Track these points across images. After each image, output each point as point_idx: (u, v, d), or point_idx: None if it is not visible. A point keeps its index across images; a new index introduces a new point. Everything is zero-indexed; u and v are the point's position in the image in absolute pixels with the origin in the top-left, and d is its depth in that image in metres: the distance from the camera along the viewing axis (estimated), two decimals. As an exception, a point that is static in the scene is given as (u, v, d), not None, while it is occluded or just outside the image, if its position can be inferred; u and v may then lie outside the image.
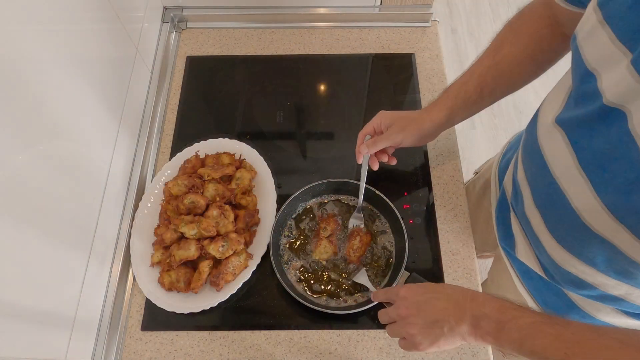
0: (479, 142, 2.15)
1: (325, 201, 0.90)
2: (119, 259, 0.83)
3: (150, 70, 1.03)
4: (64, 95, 0.67)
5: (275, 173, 0.91)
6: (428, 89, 1.04)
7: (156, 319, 0.81)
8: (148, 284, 0.81)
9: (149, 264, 0.83)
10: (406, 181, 0.92)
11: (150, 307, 0.81)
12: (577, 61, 0.55)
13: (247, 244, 0.83)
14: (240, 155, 0.93)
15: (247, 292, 0.82)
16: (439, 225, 0.88)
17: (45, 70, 0.63)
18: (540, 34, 0.72)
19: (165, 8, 1.14)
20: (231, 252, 0.80)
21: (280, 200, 0.86)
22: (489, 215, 0.94)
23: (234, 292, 0.79)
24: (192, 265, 0.82)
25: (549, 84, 0.78)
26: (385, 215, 0.87)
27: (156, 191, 0.90)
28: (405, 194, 0.91)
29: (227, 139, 0.95)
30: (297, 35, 1.13)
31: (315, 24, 1.14)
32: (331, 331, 0.79)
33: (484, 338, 0.58)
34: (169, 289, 0.81)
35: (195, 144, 0.95)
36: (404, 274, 0.78)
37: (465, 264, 0.85)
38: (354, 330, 0.79)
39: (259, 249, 0.83)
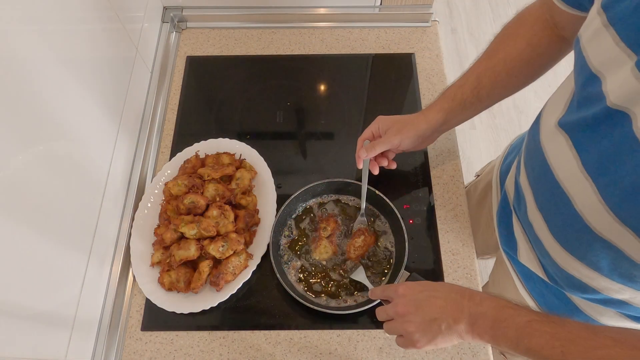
0: (479, 142, 2.15)
1: (325, 201, 0.90)
2: (119, 259, 0.83)
3: (150, 70, 1.03)
4: (64, 95, 0.67)
5: (275, 173, 0.91)
6: (428, 89, 1.04)
7: (156, 319, 0.81)
8: (148, 284, 0.81)
9: (149, 264, 0.83)
10: (406, 181, 0.92)
11: (150, 307, 0.81)
12: (581, 64, 0.54)
13: (247, 244, 0.83)
14: (240, 155, 0.93)
15: (247, 292, 0.82)
16: (439, 225, 0.88)
17: (45, 70, 0.63)
18: (538, 38, 0.72)
19: (165, 8, 1.14)
20: (231, 252, 0.80)
21: (280, 200, 0.86)
22: (490, 218, 0.94)
23: (234, 292, 0.79)
24: (192, 265, 0.82)
25: (549, 84, 0.78)
26: (385, 215, 0.87)
27: (156, 191, 0.90)
28: (405, 194, 0.91)
29: (227, 139, 0.95)
30: (297, 35, 1.13)
31: (315, 24, 1.14)
32: (331, 331, 0.79)
33: (481, 336, 0.58)
34: (169, 289, 0.81)
35: (195, 144, 0.95)
36: (404, 274, 0.78)
37: (465, 264, 0.85)
38: (354, 330, 0.79)
39: (259, 249, 0.83)
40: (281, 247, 0.85)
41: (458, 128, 0.94)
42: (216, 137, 0.95)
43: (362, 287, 0.81)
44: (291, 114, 1.02)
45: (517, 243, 0.78)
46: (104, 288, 0.79)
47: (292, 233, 0.87)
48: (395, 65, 1.08)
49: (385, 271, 0.83)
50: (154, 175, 0.94)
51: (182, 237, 0.82)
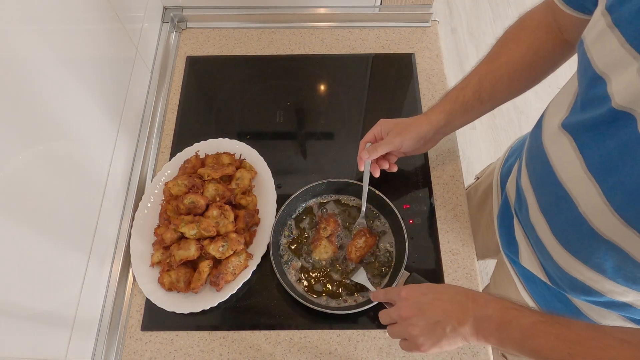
0: (479, 143, 2.15)
1: (326, 201, 0.90)
2: (119, 259, 0.83)
3: (150, 70, 1.03)
4: (64, 95, 0.67)
5: (275, 173, 0.91)
6: (428, 89, 1.04)
7: (156, 319, 0.81)
8: (148, 284, 0.81)
9: (149, 264, 0.83)
10: (406, 181, 0.92)
11: (150, 307, 0.81)
12: (585, 66, 0.54)
13: (247, 244, 0.83)
14: (240, 155, 0.93)
15: (247, 292, 0.82)
16: (439, 225, 0.88)
17: (45, 70, 0.63)
18: (540, 42, 0.72)
19: (165, 8, 1.14)
20: (231, 252, 0.80)
21: (280, 200, 0.86)
22: (490, 221, 0.94)
23: (234, 292, 0.79)
24: (192, 265, 0.82)
25: (550, 85, 0.78)
26: (385, 215, 0.87)
27: (156, 191, 0.90)
28: (405, 194, 0.91)
29: (227, 139, 0.95)
30: (297, 35, 1.13)
31: (315, 24, 1.14)
32: (331, 331, 0.79)
33: (486, 339, 0.58)
34: (169, 289, 0.81)
35: (195, 144, 0.95)
36: (404, 274, 0.78)
37: (465, 264, 0.85)
38: (354, 330, 0.79)
39: (259, 249, 0.83)
40: (281, 247, 0.85)
41: (458, 128, 0.94)
42: (216, 137, 0.95)
43: (362, 288, 0.81)
44: (291, 114, 1.02)
45: (519, 246, 0.78)
46: (104, 288, 0.79)
47: (292, 233, 0.87)
48: (395, 65, 1.08)
49: (385, 271, 0.83)
50: (154, 175, 0.94)
51: (182, 237, 0.82)
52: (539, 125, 0.69)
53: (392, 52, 1.10)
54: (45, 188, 0.63)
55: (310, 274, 0.83)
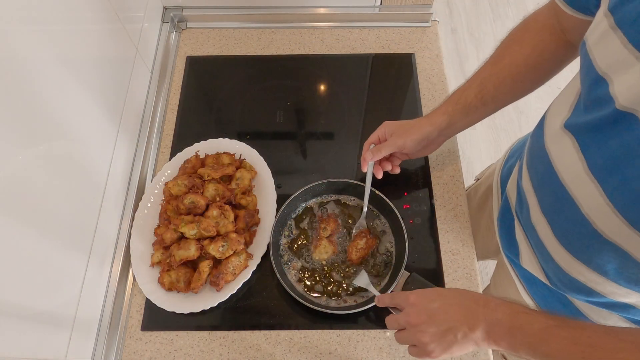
0: (479, 143, 2.15)
1: (326, 201, 0.90)
2: (119, 259, 0.83)
3: (150, 70, 1.03)
4: (64, 95, 0.67)
5: (275, 173, 0.91)
6: (428, 89, 1.04)
7: (156, 319, 0.81)
8: (148, 284, 0.81)
9: (149, 264, 0.83)
10: (406, 181, 0.92)
11: (150, 307, 0.81)
12: (587, 67, 0.54)
13: (247, 244, 0.83)
14: (240, 155, 0.93)
15: (247, 292, 0.82)
16: (439, 225, 0.88)
17: (45, 70, 0.63)
18: (544, 43, 0.72)
19: (165, 8, 1.14)
20: (231, 252, 0.80)
21: (280, 200, 0.86)
22: (490, 222, 0.94)
23: (234, 292, 0.79)
24: (192, 265, 0.82)
25: (550, 85, 0.78)
26: (385, 215, 0.87)
27: (156, 191, 0.90)
28: (405, 194, 0.91)
29: (227, 139, 0.95)
30: (297, 35, 1.13)
31: (315, 24, 1.14)
32: (331, 331, 0.79)
33: (497, 343, 0.58)
34: (169, 289, 0.81)
35: (195, 144, 0.95)
36: (404, 274, 0.78)
37: (465, 264, 0.85)
38: (354, 330, 0.79)
39: (259, 249, 0.83)
40: (281, 247, 0.85)
41: (458, 128, 0.94)
42: (216, 137, 0.95)
43: (362, 288, 0.81)
44: (291, 114, 1.02)
45: (519, 247, 0.78)
46: (104, 288, 0.79)
47: (292, 233, 0.87)
48: (395, 65, 1.08)
49: (385, 271, 0.83)
50: (154, 175, 0.94)
51: (182, 237, 0.82)
52: (540, 126, 0.68)
53: (392, 52, 1.10)
54: (45, 188, 0.63)
55: (310, 274, 0.83)
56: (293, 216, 0.89)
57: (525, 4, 2.53)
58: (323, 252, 0.84)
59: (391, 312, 0.69)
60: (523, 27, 0.75)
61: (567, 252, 0.63)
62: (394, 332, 0.66)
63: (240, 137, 0.97)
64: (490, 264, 1.68)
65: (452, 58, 2.37)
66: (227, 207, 0.82)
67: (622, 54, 0.48)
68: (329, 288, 0.82)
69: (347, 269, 0.83)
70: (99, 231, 0.76)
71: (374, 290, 0.77)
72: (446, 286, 0.83)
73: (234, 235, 0.80)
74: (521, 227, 0.76)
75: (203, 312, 0.79)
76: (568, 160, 0.58)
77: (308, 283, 0.82)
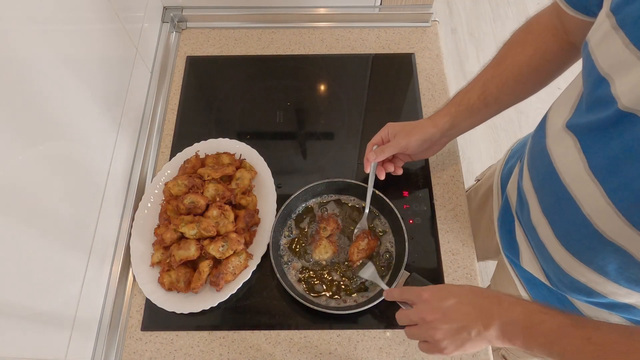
0: (478, 142, 2.15)
1: (326, 201, 0.90)
2: (119, 259, 0.83)
3: (150, 70, 1.03)
4: (64, 95, 0.67)
5: (275, 173, 0.91)
6: (428, 89, 1.04)
7: (156, 319, 0.81)
8: (148, 284, 0.81)
9: (149, 264, 0.83)
10: (406, 181, 0.92)
11: (150, 307, 0.81)
12: (589, 67, 0.54)
13: (247, 244, 0.83)
14: (240, 155, 0.93)
15: (247, 292, 0.82)
16: (439, 225, 0.88)
17: (45, 70, 0.63)
18: (546, 45, 0.72)
19: (165, 8, 1.14)
20: (231, 252, 0.80)
21: (280, 200, 0.86)
22: (491, 223, 0.94)
23: (234, 292, 0.79)
24: (192, 265, 0.82)
25: (550, 86, 0.78)
26: (385, 215, 0.87)
27: (156, 191, 0.90)
28: (405, 194, 0.91)
29: (227, 139, 0.95)
30: (297, 35, 1.13)
31: (315, 24, 1.14)
32: (331, 331, 0.79)
33: (511, 342, 0.58)
34: (169, 289, 0.81)
35: (195, 144, 0.95)
36: (404, 274, 0.78)
37: (465, 263, 0.85)
38: (354, 330, 0.79)
39: (259, 249, 0.83)
40: (281, 247, 0.85)
41: (458, 128, 0.94)
42: (216, 137, 0.95)
43: (362, 288, 0.81)
44: (291, 114, 1.02)
45: (519, 248, 0.78)
46: (104, 288, 0.79)
47: (292, 233, 0.87)
48: (395, 65, 1.08)
49: (385, 271, 0.83)
50: (154, 175, 0.94)
51: (182, 237, 0.82)
52: (542, 126, 0.68)
53: (392, 52, 1.10)
54: (45, 188, 0.63)
55: (310, 274, 0.83)
56: (293, 216, 0.89)
57: (525, 4, 2.54)
58: (323, 252, 0.84)
59: (398, 308, 0.69)
60: (526, 29, 0.75)
61: (567, 253, 0.63)
62: (405, 327, 0.66)
63: (240, 137, 0.97)
64: (491, 265, 1.68)
65: (452, 58, 2.37)
66: (227, 207, 0.82)
67: (624, 55, 0.48)
68: (329, 288, 0.82)
69: (347, 268, 0.83)
70: (99, 231, 0.76)
71: (381, 283, 0.77)
72: (446, 286, 0.83)
73: (234, 235, 0.80)
74: (521, 228, 0.76)
75: (203, 312, 0.79)
76: (569, 161, 0.58)
77: (308, 283, 0.82)
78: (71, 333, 0.68)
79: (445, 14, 2.52)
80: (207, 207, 0.83)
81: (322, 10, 1.13)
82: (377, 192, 0.85)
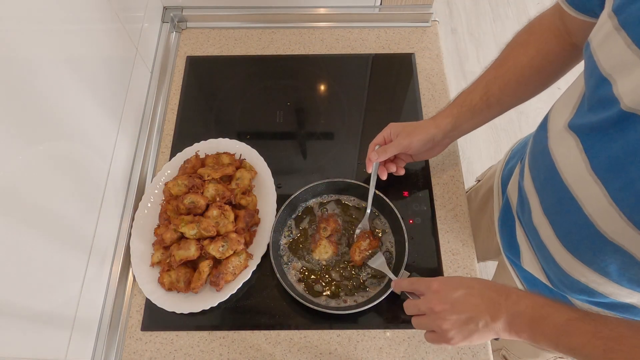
0: (478, 142, 2.15)
1: (326, 201, 0.90)
2: (119, 259, 0.83)
3: (150, 70, 1.03)
4: (63, 95, 0.67)
5: (275, 173, 0.91)
6: (428, 89, 1.04)
7: (156, 319, 0.81)
8: (148, 284, 0.81)
9: (149, 264, 0.83)
10: (406, 181, 0.92)
11: (150, 307, 0.81)
12: (591, 68, 0.54)
13: (247, 244, 0.83)
14: (240, 155, 0.93)
15: (247, 292, 0.82)
16: (439, 225, 0.88)
17: (45, 70, 0.63)
18: (549, 46, 0.72)
19: (165, 8, 1.14)
20: (231, 252, 0.80)
21: (280, 200, 0.86)
22: (491, 224, 0.94)
23: (234, 292, 0.79)
24: (192, 265, 0.82)
25: (551, 86, 0.78)
26: (385, 215, 0.87)
27: (156, 191, 0.90)
28: (405, 194, 0.91)
29: (227, 139, 0.95)
30: (297, 35, 1.13)
31: (315, 24, 1.14)
32: (331, 331, 0.79)
33: (518, 334, 0.58)
34: (169, 289, 0.81)
35: (195, 144, 0.95)
36: (404, 274, 0.78)
37: (465, 264, 0.85)
38: (354, 330, 0.79)
39: (259, 249, 0.83)
40: (281, 247, 0.85)
41: (458, 128, 0.94)
42: (216, 137, 0.95)
43: (361, 287, 0.81)
44: (291, 114, 1.02)
45: (520, 249, 0.78)
46: (104, 288, 0.79)
47: (292, 233, 0.87)
48: (395, 65, 1.08)
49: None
50: (154, 175, 0.94)
51: (182, 237, 0.82)
52: (543, 127, 0.68)
53: (392, 52, 1.10)
54: (45, 188, 0.63)
55: (310, 274, 0.83)
56: (293, 216, 0.89)
57: (525, 4, 2.54)
58: (323, 252, 0.84)
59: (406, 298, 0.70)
60: (528, 30, 0.76)
61: (569, 253, 0.63)
62: (412, 316, 0.67)
63: (240, 137, 0.97)
64: (491, 265, 1.68)
65: (452, 58, 2.37)
66: (227, 207, 0.82)
67: (627, 55, 0.48)
68: (329, 288, 0.82)
69: (346, 271, 0.83)
70: (99, 231, 0.76)
71: (389, 274, 0.77)
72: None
73: (234, 235, 0.80)
74: (522, 228, 0.76)
75: (203, 312, 0.79)
76: (571, 161, 0.58)
77: (308, 283, 0.82)
78: (71, 333, 0.68)
79: (445, 14, 2.52)
80: (207, 207, 0.83)
81: (322, 10, 1.13)
82: (377, 192, 0.85)
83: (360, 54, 1.10)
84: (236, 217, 0.84)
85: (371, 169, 0.84)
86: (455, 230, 0.88)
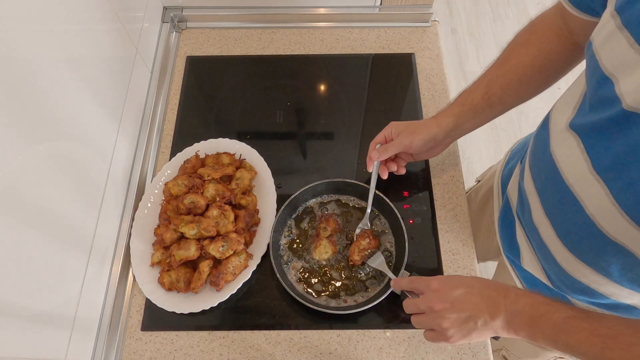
0: (478, 142, 2.15)
1: (326, 201, 0.90)
2: (119, 259, 0.83)
3: (150, 70, 1.03)
4: (64, 96, 0.67)
5: (275, 173, 0.91)
6: (428, 89, 1.04)
7: (156, 319, 0.81)
8: (148, 284, 0.81)
9: (149, 264, 0.83)
10: (406, 181, 0.92)
11: (150, 307, 0.81)
12: (593, 67, 0.54)
13: (247, 244, 0.83)
14: (240, 155, 0.93)
15: (247, 292, 0.82)
16: (439, 225, 0.88)
17: (45, 70, 0.63)
18: (550, 45, 0.72)
19: (165, 8, 1.14)
20: (231, 252, 0.80)
21: (280, 200, 0.86)
22: (491, 224, 0.94)
23: (234, 292, 0.79)
24: (192, 265, 0.82)
25: (553, 84, 0.78)
26: (385, 215, 0.87)
27: (156, 191, 0.90)
28: (405, 194, 0.91)
29: (227, 139, 0.95)
30: (297, 35, 1.13)
31: (315, 24, 1.14)
32: (331, 331, 0.79)
33: (517, 332, 0.59)
34: (169, 289, 0.81)
35: (195, 144, 0.95)
36: (404, 274, 0.78)
37: (465, 264, 0.85)
38: (354, 330, 0.79)
39: (259, 249, 0.83)
40: (281, 247, 0.85)
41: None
42: (216, 137, 0.95)
43: (361, 287, 0.81)
44: (291, 114, 1.02)
45: (520, 249, 0.78)
46: (104, 288, 0.79)
47: (292, 233, 0.87)
48: (395, 65, 1.08)
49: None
50: (154, 175, 0.94)
51: (182, 237, 0.82)
52: (544, 127, 0.68)
53: (392, 52, 1.10)
54: (45, 188, 0.63)
55: (310, 274, 0.83)
56: (293, 216, 0.89)
57: (525, 4, 2.53)
58: (323, 252, 0.84)
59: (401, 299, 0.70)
60: (529, 29, 0.75)
61: (570, 253, 0.63)
62: (411, 315, 0.67)
63: (240, 137, 0.97)
64: (491, 265, 1.68)
65: (452, 58, 2.37)
66: (227, 207, 0.82)
67: (629, 54, 0.48)
68: (329, 288, 0.82)
69: (346, 271, 0.83)
70: (99, 231, 0.76)
71: (389, 273, 0.78)
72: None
73: (234, 235, 0.80)
74: (522, 229, 0.75)
75: (203, 312, 0.79)
76: (573, 161, 0.58)
77: (308, 283, 0.82)
78: (71, 333, 0.68)
79: (445, 14, 2.52)
80: (207, 207, 0.83)
81: (322, 10, 1.13)
82: (377, 192, 0.85)
83: (360, 54, 1.10)
84: (236, 217, 0.84)
85: (372, 167, 0.84)
86: (455, 231, 0.88)
